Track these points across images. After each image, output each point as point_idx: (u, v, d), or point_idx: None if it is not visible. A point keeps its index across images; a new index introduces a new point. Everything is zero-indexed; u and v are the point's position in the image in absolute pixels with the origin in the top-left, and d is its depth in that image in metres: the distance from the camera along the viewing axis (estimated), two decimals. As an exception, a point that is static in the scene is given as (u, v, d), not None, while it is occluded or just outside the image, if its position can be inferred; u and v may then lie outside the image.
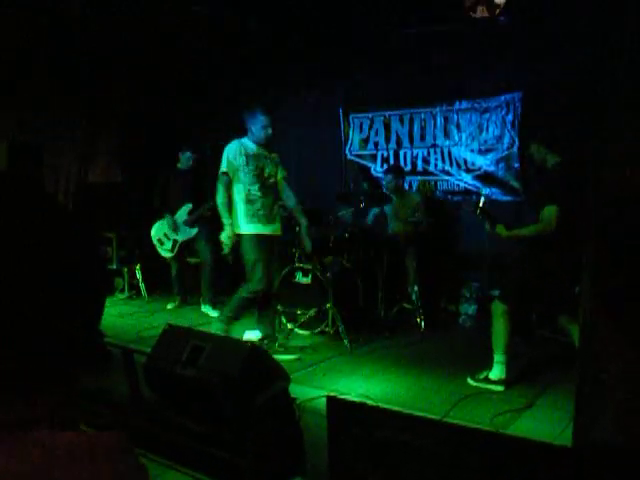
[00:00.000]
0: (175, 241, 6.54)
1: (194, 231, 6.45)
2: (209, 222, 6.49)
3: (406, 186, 6.76)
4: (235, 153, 4.72)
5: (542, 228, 3.91)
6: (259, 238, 4.72)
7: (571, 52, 5.52)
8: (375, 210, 6.50)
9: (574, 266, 3.89)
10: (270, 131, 4.76)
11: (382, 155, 7.11)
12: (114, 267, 7.35)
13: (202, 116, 7.86)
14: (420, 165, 6.85)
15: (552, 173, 4.05)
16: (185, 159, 6.55)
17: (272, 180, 4.84)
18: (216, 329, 4.69)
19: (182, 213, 6.48)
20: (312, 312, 5.52)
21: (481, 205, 4.27)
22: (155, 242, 6.69)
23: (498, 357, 4.16)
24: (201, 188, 6.50)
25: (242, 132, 4.81)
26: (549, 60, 5.71)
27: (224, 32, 6.95)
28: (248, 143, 4.79)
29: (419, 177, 6.87)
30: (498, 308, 4.17)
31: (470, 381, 4.25)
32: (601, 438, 2.43)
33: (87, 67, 7.30)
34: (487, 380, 4.19)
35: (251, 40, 6.92)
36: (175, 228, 6.47)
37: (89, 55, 7.22)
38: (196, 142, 6.94)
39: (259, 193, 4.71)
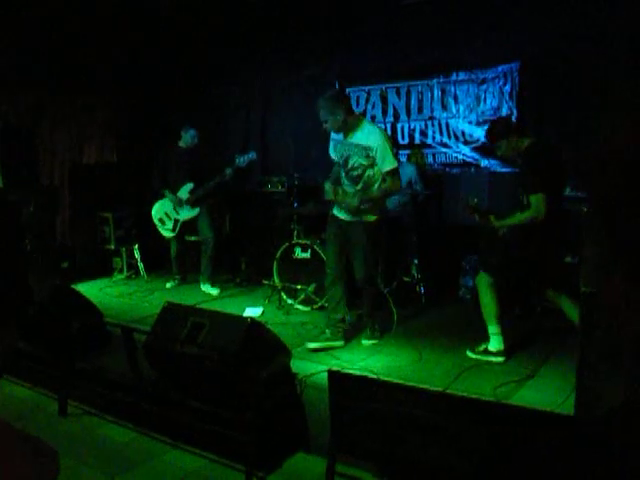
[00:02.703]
0: (177, 220, 6.47)
1: (196, 210, 6.36)
2: (211, 200, 6.45)
3: (403, 159, 6.71)
4: (334, 137, 4.54)
5: (532, 215, 3.84)
6: (331, 218, 4.65)
7: (571, 20, 5.43)
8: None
9: (560, 240, 3.91)
10: (334, 121, 4.28)
11: (379, 128, 7.04)
12: (112, 247, 7.32)
13: (202, 109, 7.76)
14: (418, 138, 6.79)
15: (530, 158, 3.99)
16: (189, 137, 6.39)
17: (357, 173, 4.41)
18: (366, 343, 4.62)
19: (183, 192, 6.39)
20: (312, 288, 5.51)
21: (471, 204, 4.22)
22: (156, 222, 6.61)
23: (492, 328, 4.15)
24: (202, 166, 6.42)
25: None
26: (548, 29, 5.62)
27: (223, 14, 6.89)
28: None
29: (416, 150, 6.81)
30: (483, 280, 4.17)
31: (469, 354, 4.24)
32: (603, 406, 2.43)
33: (87, 67, 7.23)
34: (486, 352, 4.18)
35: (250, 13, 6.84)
36: (179, 205, 6.40)
37: (89, 55, 7.15)
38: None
39: (344, 180, 4.55)
